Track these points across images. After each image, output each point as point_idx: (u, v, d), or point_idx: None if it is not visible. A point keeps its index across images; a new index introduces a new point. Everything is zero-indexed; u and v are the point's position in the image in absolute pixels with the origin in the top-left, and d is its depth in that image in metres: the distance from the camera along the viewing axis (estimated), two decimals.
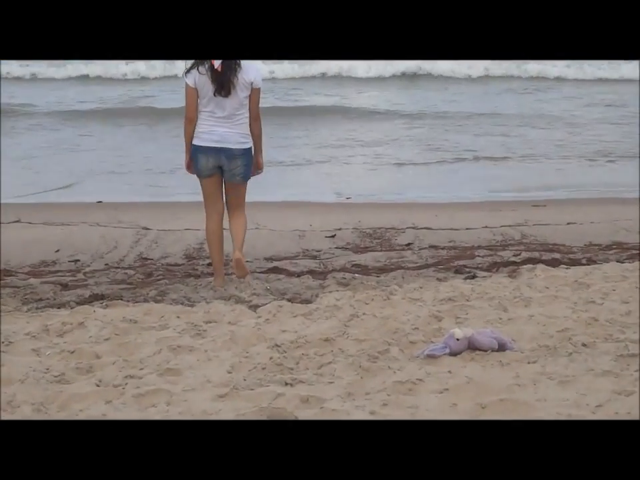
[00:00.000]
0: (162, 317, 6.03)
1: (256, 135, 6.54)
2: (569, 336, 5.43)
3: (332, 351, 5.20)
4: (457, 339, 5.12)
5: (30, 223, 9.63)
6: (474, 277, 7.36)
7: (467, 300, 6.44)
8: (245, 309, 6.32)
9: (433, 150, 14.83)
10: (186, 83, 6.25)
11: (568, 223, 9.75)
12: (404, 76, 20.68)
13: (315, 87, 20.17)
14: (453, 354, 5.10)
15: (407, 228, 9.56)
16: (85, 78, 21.43)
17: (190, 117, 6.33)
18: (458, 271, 7.64)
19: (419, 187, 12.65)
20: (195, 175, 6.70)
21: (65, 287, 7.11)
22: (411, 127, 16.21)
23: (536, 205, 10.94)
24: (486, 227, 9.66)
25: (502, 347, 5.19)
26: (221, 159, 6.37)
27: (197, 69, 6.15)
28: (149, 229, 9.37)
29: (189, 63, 6.19)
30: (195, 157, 6.42)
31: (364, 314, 6.01)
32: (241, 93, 6.22)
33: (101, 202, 11.07)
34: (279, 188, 11.83)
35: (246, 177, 6.64)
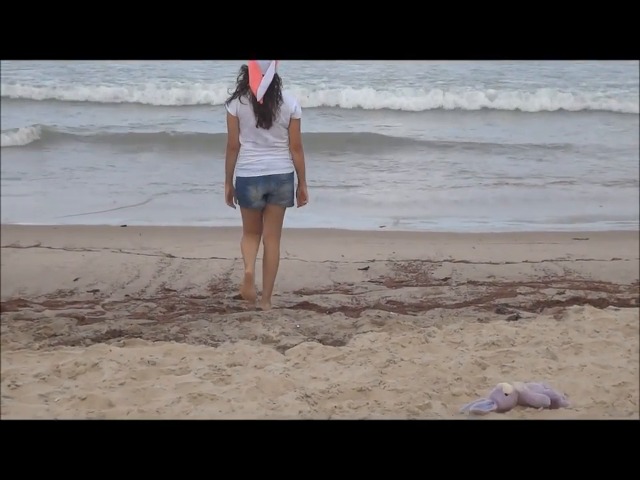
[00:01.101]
0: (183, 358, 5.58)
1: (298, 165, 6.51)
2: (627, 392, 4.92)
3: (367, 403, 4.71)
4: (506, 394, 4.62)
5: (50, 248, 9.25)
6: (517, 317, 6.86)
7: (512, 345, 5.95)
8: (272, 350, 5.86)
9: (468, 177, 14.36)
10: (227, 111, 6.29)
11: (613, 259, 9.23)
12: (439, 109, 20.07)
13: (350, 115, 19.58)
14: (501, 410, 4.60)
15: (444, 261, 9.10)
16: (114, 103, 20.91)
17: (233, 145, 6.34)
18: (500, 310, 7.15)
19: (455, 215, 12.19)
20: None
21: (81, 320, 6.69)
22: (446, 154, 15.73)
23: (577, 237, 10.41)
24: (526, 261, 9.20)
25: (555, 404, 4.68)
26: (270, 186, 6.31)
27: (239, 99, 6.18)
28: (173, 256, 8.97)
29: (231, 92, 6.29)
30: (243, 188, 6.35)
31: (401, 359, 5.53)
32: (281, 124, 6.23)
33: (125, 226, 10.68)
34: (309, 214, 11.38)
35: (291, 202, 6.61)
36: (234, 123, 6.23)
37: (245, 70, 6.12)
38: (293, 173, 6.49)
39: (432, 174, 14.43)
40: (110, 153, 15.63)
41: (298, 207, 6.73)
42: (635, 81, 21.68)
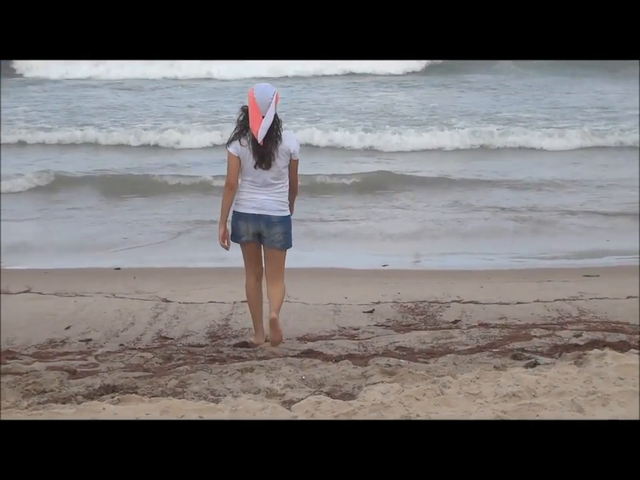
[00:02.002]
0: (182, 415, 5.17)
1: (292, 198, 6.61)
2: None
3: None
4: None
5: (40, 294, 8.86)
6: (536, 364, 6.46)
7: (534, 396, 5.53)
8: (277, 406, 5.44)
9: (470, 211, 14.00)
10: (229, 151, 6.29)
11: (628, 297, 8.83)
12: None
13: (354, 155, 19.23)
14: None
15: (452, 302, 8.72)
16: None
17: (231, 184, 6.34)
18: (516, 356, 6.74)
19: (459, 251, 11.82)
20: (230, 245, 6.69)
21: (72, 374, 6.27)
22: (446, 189, 15.37)
23: (588, 274, 10.03)
24: (538, 300, 8.84)
25: None
26: (260, 226, 6.31)
27: (239, 140, 6.21)
28: (169, 301, 8.57)
29: (232, 133, 6.32)
30: (236, 223, 6.42)
31: (417, 415, 5.12)
32: (280, 164, 6.24)
33: (119, 269, 10.29)
34: (309, 252, 11.03)
35: (286, 245, 6.54)
36: (235, 162, 6.23)
37: (245, 111, 6.12)
38: (286, 216, 6.45)
39: (433, 209, 13.97)
40: (98, 194, 15.12)
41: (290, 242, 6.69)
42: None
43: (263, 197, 6.28)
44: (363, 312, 8.40)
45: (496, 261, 11.24)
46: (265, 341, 6.87)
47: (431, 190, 15.33)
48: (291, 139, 6.33)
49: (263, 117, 5.99)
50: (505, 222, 13.52)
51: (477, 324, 7.95)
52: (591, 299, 8.87)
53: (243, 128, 6.16)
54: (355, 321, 8.10)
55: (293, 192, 6.53)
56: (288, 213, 6.47)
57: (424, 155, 18.52)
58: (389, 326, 7.92)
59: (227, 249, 6.61)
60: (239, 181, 6.38)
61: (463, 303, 8.69)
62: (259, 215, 6.27)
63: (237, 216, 6.40)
